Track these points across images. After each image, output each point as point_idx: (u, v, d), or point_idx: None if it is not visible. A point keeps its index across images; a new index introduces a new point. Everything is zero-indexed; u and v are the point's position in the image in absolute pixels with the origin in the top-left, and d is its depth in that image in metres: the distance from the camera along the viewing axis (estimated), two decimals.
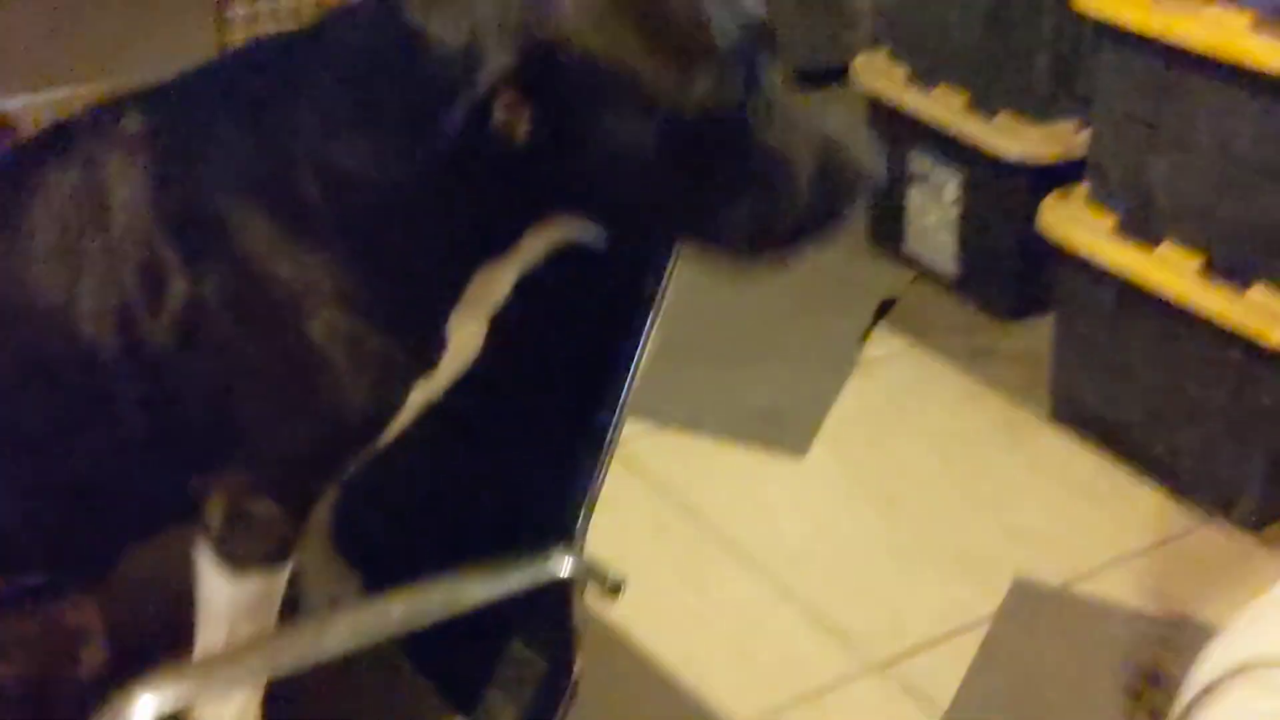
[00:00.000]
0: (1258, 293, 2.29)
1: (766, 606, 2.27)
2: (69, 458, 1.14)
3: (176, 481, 1.15)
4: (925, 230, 3.08)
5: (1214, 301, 2.32)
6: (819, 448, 2.63)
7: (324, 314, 1.08)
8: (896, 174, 3.08)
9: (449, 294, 1.12)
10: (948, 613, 2.24)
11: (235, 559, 1.16)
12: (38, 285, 1.10)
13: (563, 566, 1.18)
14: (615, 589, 1.21)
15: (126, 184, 1.09)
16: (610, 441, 1.18)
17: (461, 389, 1.20)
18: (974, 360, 2.86)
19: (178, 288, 1.07)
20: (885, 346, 2.92)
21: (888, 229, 3.16)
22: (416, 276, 1.10)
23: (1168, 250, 2.40)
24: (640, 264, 1.21)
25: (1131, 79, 2.40)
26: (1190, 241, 2.38)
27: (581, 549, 1.21)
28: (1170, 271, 2.39)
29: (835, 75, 3.30)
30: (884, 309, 3.02)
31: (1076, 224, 2.54)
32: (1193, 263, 2.37)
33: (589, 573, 1.19)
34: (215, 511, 1.15)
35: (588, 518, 1.20)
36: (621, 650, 2.16)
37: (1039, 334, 2.83)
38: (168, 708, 0.99)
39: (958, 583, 2.30)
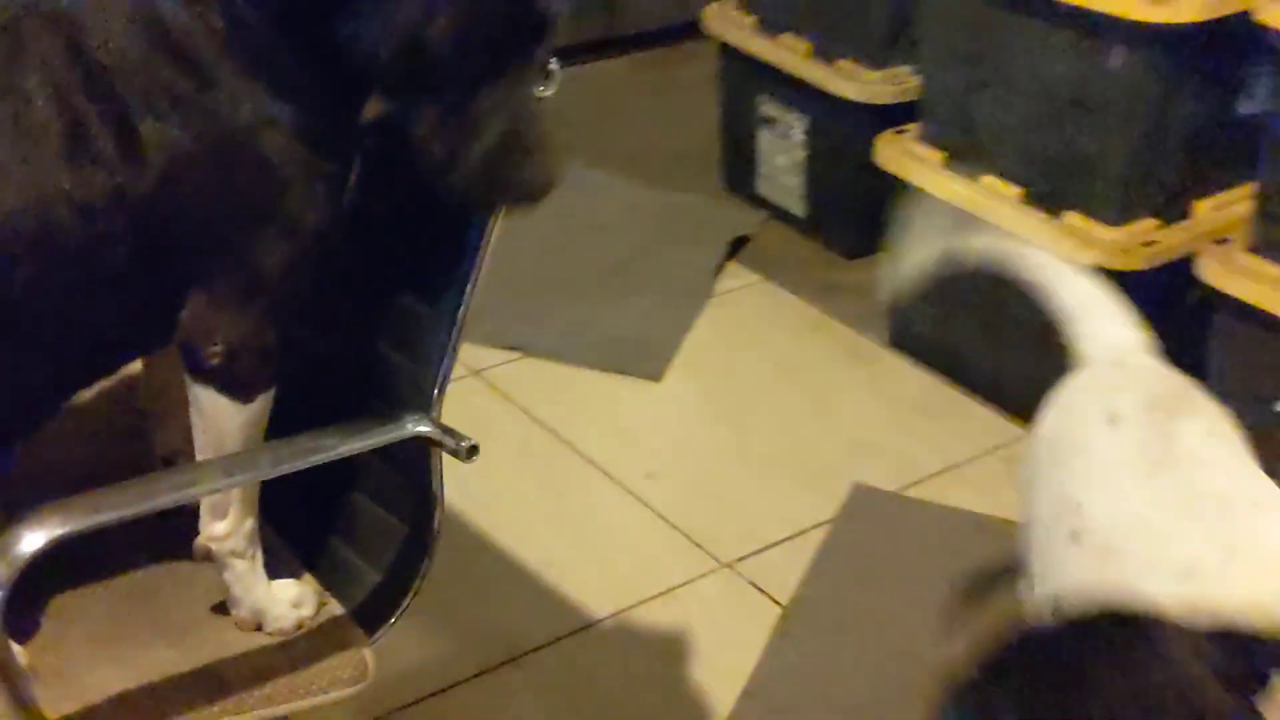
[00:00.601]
0: (1071, 218, 2.49)
1: (624, 515, 2.42)
2: (52, 305, 1.24)
3: (155, 321, 1.27)
4: (775, 172, 3.25)
5: (1032, 227, 2.51)
6: (674, 373, 2.78)
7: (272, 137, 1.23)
8: (746, 118, 3.24)
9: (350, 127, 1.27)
10: (794, 517, 2.41)
11: (242, 389, 1.30)
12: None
13: (420, 425, 1.31)
14: (470, 451, 1.33)
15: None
16: (467, 296, 1.30)
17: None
18: (820, 293, 3.03)
19: (147, 134, 1.19)
20: (738, 280, 3.08)
21: (740, 172, 3.32)
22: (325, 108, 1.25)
23: (992, 181, 2.60)
24: None
25: (956, 19, 2.59)
26: (1011, 173, 2.57)
27: (439, 413, 1.33)
28: (994, 200, 2.58)
29: (694, 28, 3.45)
30: (737, 246, 3.18)
31: (909, 158, 2.72)
32: (1013, 192, 2.57)
33: (445, 433, 1.32)
34: (213, 349, 1.28)
35: (444, 384, 1.33)
36: (486, 556, 2.29)
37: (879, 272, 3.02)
38: (47, 540, 1.10)
39: (803, 490, 2.47)
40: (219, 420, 1.32)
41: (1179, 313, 2.48)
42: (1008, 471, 2.54)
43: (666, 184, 3.40)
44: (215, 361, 1.29)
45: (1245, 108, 2.46)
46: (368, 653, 1.38)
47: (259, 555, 1.40)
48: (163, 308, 1.29)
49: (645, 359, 2.80)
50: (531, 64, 1.24)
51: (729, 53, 3.25)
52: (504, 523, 2.34)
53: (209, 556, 1.40)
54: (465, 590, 2.20)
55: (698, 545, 2.35)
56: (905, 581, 2.30)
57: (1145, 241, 2.44)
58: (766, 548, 2.35)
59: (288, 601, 1.40)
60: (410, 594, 1.40)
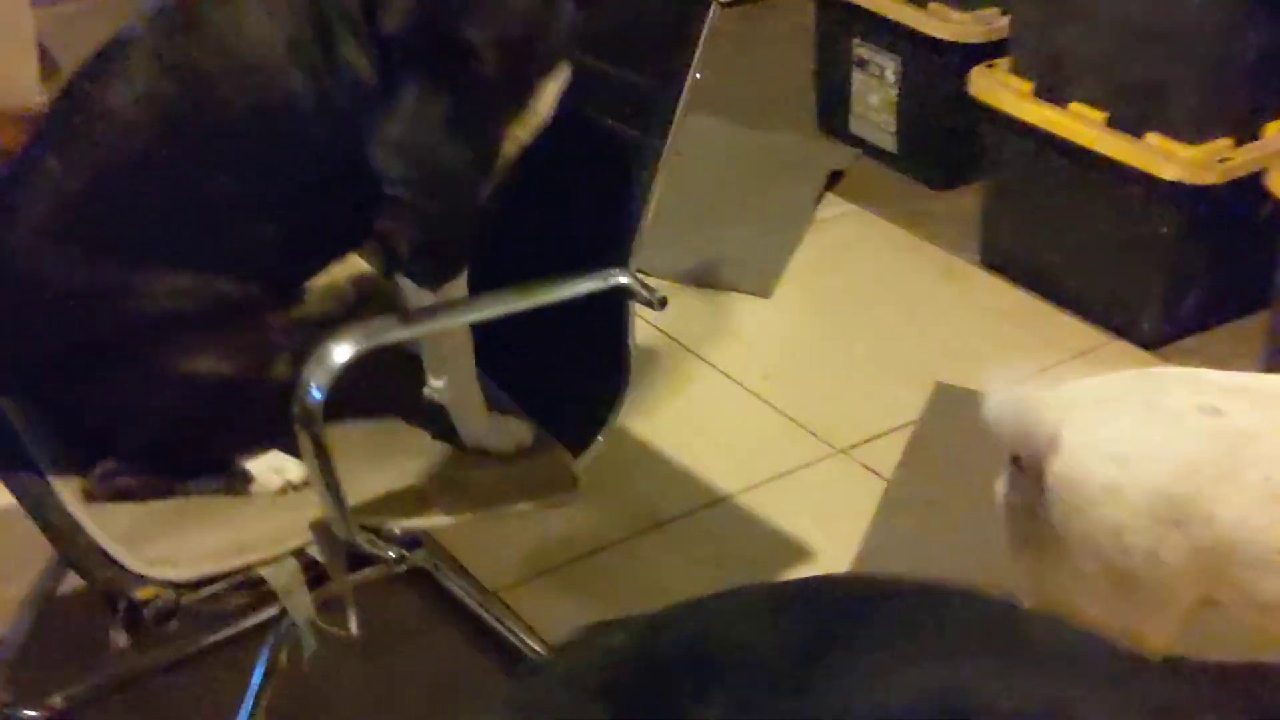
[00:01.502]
0: (1151, 139, 2.72)
1: (746, 410, 2.69)
2: (287, 187, 1.53)
3: (360, 214, 1.55)
4: (868, 111, 3.49)
5: (1116, 148, 2.75)
6: (782, 290, 3.05)
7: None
8: (841, 62, 3.49)
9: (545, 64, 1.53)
10: (895, 411, 2.66)
11: (429, 279, 1.60)
12: (254, 47, 1.48)
13: (620, 277, 1.58)
14: (662, 302, 1.61)
15: None
16: (657, 170, 1.57)
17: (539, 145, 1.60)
18: (913, 220, 3.28)
19: (347, 48, 1.46)
20: (836, 209, 3.34)
21: (834, 112, 3.57)
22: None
23: (1078, 107, 2.84)
24: None
25: None
26: (1095, 99, 2.81)
27: (634, 267, 1.61)
28: (1080, 125, 2.82)
29: None
30: (833, 180, 3.44)
31: (1000, 90, 2.96)
32: (1098, 117, 2.80)
33: (640, 285, 1.59)
34: (401, 246, 1.56)
35: (639, 243, 1.60)
36: (628, 443, 2.57)
37: (969, 201, 3.26)
38: (355, 353, 1.40)
39: (903, 388, 2.72)
40: (419, 302, 1.61)
41: (1252, 225, 2.72)
42: (1092, 372, 2.79)
43: (766, 126, 3.66)
44: (406, 253, 1.57)
45: None
46: (576, 468, 1.66)
47: (477, 398, 1.68)
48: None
49: (756, 278, 3.07)
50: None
51: (824, 1, 3.50)
52: (641, 418, 2.61)
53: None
54: (613, 472, 2.47)
55: (812, 434, 2.62)
56: (988, 466, 2.54)
57: (1221, 158, 2.67)
58: (873, 437, 2.61)
59: (505, 433, 1.69)
60: (608, 424, 1.68)
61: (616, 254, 1.62)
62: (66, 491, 1.54)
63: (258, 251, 1.54)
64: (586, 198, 1.67)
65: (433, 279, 1.60)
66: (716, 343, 2.87)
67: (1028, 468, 1.69)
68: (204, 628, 2.05)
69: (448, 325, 1.55)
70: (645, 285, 1.60)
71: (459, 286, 1.62)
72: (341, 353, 1.39)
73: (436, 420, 1.71)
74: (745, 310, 2.99)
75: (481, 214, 1.59)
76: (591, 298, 1.63)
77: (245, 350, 1.53)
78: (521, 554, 2.31)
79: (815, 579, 1.26)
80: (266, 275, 1.54)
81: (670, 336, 2.87)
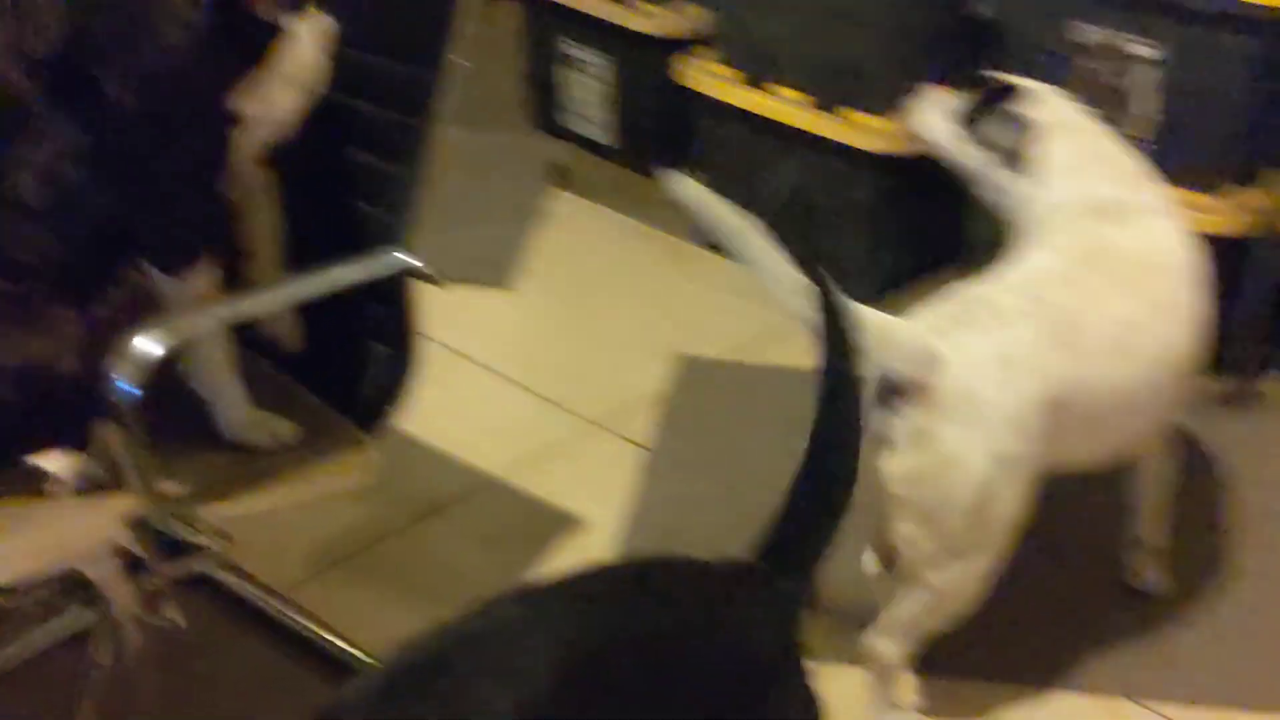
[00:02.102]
0: (850, 114, 2.96)
1: (503, 396, 2.80)
2: None
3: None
4: (580, 107, 3.64)
5: (819, 125, 2.98)
6: (523, 283, 3.17)
7: None
8: (551, 59, 3.63)
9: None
10: (641, 383, 2.82)
11: (174, 266, 1.64)
12: None
13: (400, 259, 1.67)
14: (441, 280, 1.70)
15: None
16: (427, 151, 1.67)
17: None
18: (636, 208, 3.45)
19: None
20: (562, 203, 3.48)
21: (548, 109, 3.71)
22: None
23: (782, 90, 3.05)
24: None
25: None
26: (797, 82, 3.04)
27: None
28: (785, 106, 3.04)
29: None
30: (555, 177, 3.58)
31: (710, 79, 3.15)
32: (802, 98, 3.03)
33: (419, 263, 1.68)
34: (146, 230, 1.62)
35: (415, 225, 1.69)
36: (394, 437, 2.62)
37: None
38: (167, 348, 1.44)
39: (645, 362, 2.88)
40: (175, 299, 1.65)
41: (944, 188, 2.97)
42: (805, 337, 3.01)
43: (483, 126, 3.76)
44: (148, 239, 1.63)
45: (975, 9, 2.97)
46: (373, 452, 1.74)
47: (234, 392, 1.73)
48: None
49: (493, 271, 3.17)
50: None
51: (532, 2, 3.63)
52: (404, 413, 2.67)
53: None
54: (384, 466, 2.54)
55: (570, 411, 2.75)
56: (734, 425, 2.73)
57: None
58: (627, 409, 2.75)
59: (263, 429, 1.75)
60: (398, 404, 1.75)
61: (394, 236, 1.70)
62: None
63: (31, 252, 1.56)
64: (361, 184, 1.75)
65: (170, 267, 1.65)
66: (465, 335, 2.96)
67: (909, 392, 1.83)
68: (20, 639, 2.04)
69: (249, 313, 1.60)
70: (424, 264, 1.69)
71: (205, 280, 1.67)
72: (151, 347, 1.43)
73: None
74: (490, 303, 3.09)
75: (214, 207, 1.67)
76: (371, 282, 1.71)
77: (25, 345, 1.54)
78: (307, 551, 2.35)
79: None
80: (43, 275, 1.56)
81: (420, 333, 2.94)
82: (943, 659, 2.16)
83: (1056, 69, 2.69)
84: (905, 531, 1.88)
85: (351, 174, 1.74)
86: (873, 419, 1.83)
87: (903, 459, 1.84)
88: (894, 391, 1.84)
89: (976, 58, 2.98)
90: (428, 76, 1.68)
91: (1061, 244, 2.01)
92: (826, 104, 3.00)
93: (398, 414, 1.78)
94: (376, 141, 1.73)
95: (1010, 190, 2.11)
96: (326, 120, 1.67)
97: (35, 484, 1.60)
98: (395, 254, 1.68)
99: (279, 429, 1.75)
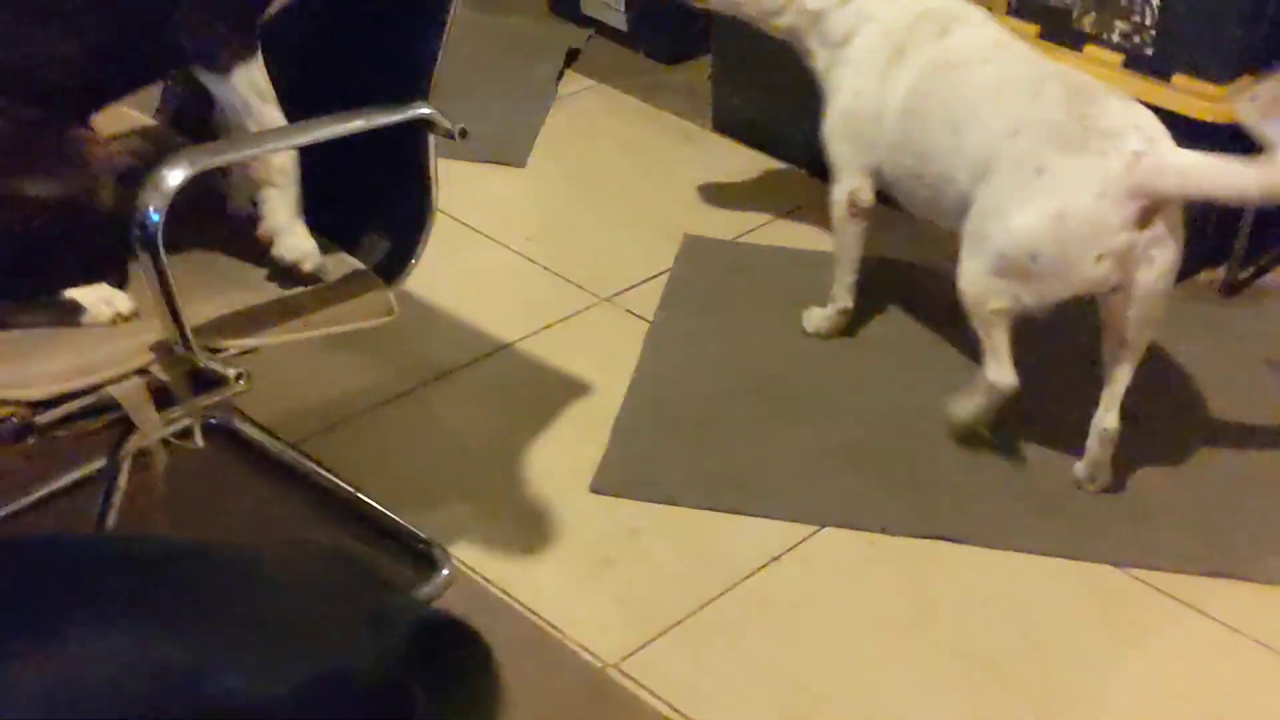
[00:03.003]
0: None
1: (514, 268, 2.85)
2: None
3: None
4: None
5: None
6: (535, 160, 3.21)
7: None
8: None
9: None
10: (649, 260, 2.87)
11: (218, 62, 1.69)
12: None
13: (423, 108, 1.72)
14: (463, 133, 1.75)
15: None
16: (452, 5, 1.71)
17: None
18: (648, 92, 3.49)
19: None
20: (576, 85, 3.52)
21: None
22: None
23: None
24: None
25: None
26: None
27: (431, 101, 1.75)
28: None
29: None
30: (570, 59, 3.61)
31: None
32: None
33: (439, 114, 1.73)
34: (188, 31, 1.66)
35: (437, 78, 1.74)
36: (406, 304, 2.68)
37: (698, 74, 3.49)
38: (188, 175, 1.49)
39: (656, 240, 2.93)
40: (228, 97, 1.71)
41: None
42: (819, 220, 3.06)
43: (502, 10, 3.79)
44: (188, 41, 1.68)
45: None
46: (391, 295, 1.80)
47: (293, 194, 1.79)
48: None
49: (509, 150, 3.22)
50: None
51: None
52: (415, 282, 2.72)
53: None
54: (393, 331, 2.59)
55: (578, 286, 2.81)
56: (736, 301, 2.79)
57: None
58: (633, 285, 2.81)
59: (313, 249, 1.82)
60: (417, 252, 1.82)
61: (417, 88, 1.75)
62: None
63: (59, 68, 1.60)
64: (386, 35, 1.79)
65: (251, 43, 1.71)
66: (479, 211, 3.01)
67: None
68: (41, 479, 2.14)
69: (268, 148, 1.65)
70: (445, 116, 1.74)
71: (273, 111, 1.73)
72: (175, 176, 1.48)
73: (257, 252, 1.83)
74: (502, 180, 3.14)
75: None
76: (394, 131, 1.76)
77: (63, 178, 1.59)
78: (314, 410, 2.43)
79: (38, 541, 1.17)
80: (70, 93, 1.61)
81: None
82: (925, 523, 2.25)
83: None
84: None
85: (375, 25, 1.79)
86: None
87: None
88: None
89: None
90: None
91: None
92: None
93: (415, 264, 1.83)
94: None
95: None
96: None
97: (69, 317, 1.66)
98: (418, 104, 1.73)
99: (328, 260, 1.81)
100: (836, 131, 2.51)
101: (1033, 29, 2.81)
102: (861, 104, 2.45)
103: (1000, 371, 2.29)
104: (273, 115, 1.72)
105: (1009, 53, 2.38)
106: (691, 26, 3.49)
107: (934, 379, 2.57)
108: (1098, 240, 2.10)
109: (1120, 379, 2.28)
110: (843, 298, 2.64)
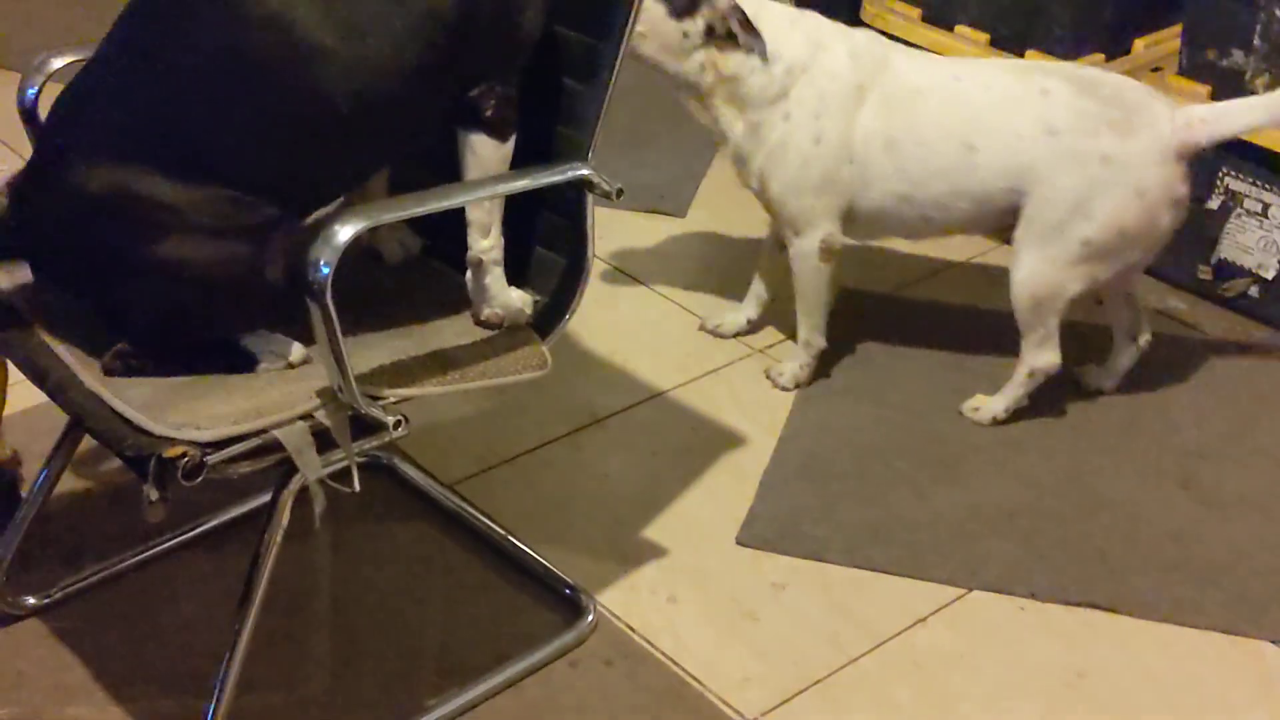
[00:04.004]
0: (1032, 55, 2.97)
1: (670, 318, 2.89)
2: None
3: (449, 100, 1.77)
4: None
5: None
6: (695, 210, 3.25)
7: None
8: None
9: None
10: None
11: (505, 131, 1.80)
12: None
13: (583, 169, 1.77)
14: (619, 192, 1.79)
15: None
16: (614, 73, 1.77)
17: None
18: None
19: None
20: None
21: None
22: None
23: (962, 29, 3.07)
24: None
25: None
26: (978, 21, 3.05)
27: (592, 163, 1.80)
28: (965, 45, 3.06)
29: None
30: None
31: (890, 15, 3.19)
32: (981, 37, 3.04)
33: (599, 175, 1.78)
34: (490, 106, 1.78)
35: (598, 140, 1.78)
36: (565, 349, 2.75)
37: None
38: (358, 230, 1.57)
39: None
40: (490, 163, 1.81)
41: None
42: (971, 275, 3.04)
43: None
44: (490, 112, 1.77)
45: None
46: (545, 349, 1.85)
47: (501, 269, 1.88)
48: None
49: (671, 200, 3.26)
50: None
51: None
52: (575, 328, 2.79)
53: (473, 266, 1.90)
54: (551, 377, 2.65)
55: (734, 336, 2.83)
56: (891, 356, 2.78)
57: None
58: (787, 338, 2.82)
59: (520, 301, 1.89)
60: (571, 310, 1.87)
61: (578, 150, 1.80)
62: (86, 373, 1.68)
63: (290, 180, 1.71)
64: (552, 99, 1.85)
65: (512, 126, 1.82)
66: (639, 259, 3.06)
67: None
68: (209, 511, 2.25)
69: (431, 207, 1.71)
70: (603, 177, 1.78)
71: (512, 143, 1.83)
72: (345, 231, 1.55)
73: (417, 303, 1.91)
74: (663, 229, 3.19)
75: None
76: (554, 190, 1.81)
77: (255, 247, 1.68)
78: (471, 452, 2.49)
79: None
80: (291, 201, 1.71)
81: (598, 256, 3.05)
82: (1077, 590, 2.21)
83: None
84: None
85: (541, 90, 1.84)
86: None
87: None
88: None
89: (1168, 6, 2.97)
90: (621, 3, 1.77)
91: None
92: (1010, 46, 3.01)
93: (569, 320, 1.88)
94: (567, 61, 1.82)
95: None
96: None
97: (244, 364, 1.75)
98: (578, 165, 1.78)
99: (524, 307, 1.90)
100: (799, 184, 2.49)
101: (1205, 89, 2.76)
102: (825, 150, 2.44)
103: (1052, 355, 2.51)
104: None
105: (969, 68, 2.47)
106: None
107: (1089, 440, 2.53)
108: (1172, 201, 2.37)
109: (1137, 302, 2.60)
110: (816, 341, 2.67)
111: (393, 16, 1.67)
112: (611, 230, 3.13)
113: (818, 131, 2.43)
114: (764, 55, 2.40)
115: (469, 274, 1.89)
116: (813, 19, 2.49)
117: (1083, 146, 2.35)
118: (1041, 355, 2.51)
